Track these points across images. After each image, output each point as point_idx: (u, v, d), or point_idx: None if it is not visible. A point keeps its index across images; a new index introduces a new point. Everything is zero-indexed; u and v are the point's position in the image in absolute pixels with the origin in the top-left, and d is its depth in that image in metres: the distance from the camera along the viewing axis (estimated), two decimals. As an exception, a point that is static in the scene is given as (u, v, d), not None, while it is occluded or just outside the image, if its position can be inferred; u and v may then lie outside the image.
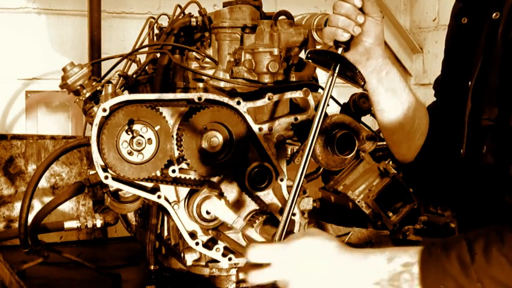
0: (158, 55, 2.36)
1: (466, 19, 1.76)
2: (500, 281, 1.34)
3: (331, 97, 1.71)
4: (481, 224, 1.53)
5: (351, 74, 1.66)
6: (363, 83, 1.68)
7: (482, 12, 1.68)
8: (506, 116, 1.50)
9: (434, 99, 1.96)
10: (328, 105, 1.65)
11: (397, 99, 1.76)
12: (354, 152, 2.17)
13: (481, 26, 1.66)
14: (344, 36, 1.64)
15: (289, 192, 1.59)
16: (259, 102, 2.05)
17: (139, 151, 1.89)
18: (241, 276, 1.46)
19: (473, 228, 1.47)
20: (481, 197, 1.63)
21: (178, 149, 1.96)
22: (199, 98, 1.97)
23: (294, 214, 2.08)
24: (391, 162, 2.77)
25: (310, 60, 1.67)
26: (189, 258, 2.07)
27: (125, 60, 2.45)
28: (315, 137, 1.62)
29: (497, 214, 1.50)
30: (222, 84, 2.12)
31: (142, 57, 2.53)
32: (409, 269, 1.39)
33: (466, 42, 1.74)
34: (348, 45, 1.67)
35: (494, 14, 1.62)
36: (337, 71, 1.64)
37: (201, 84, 2.16)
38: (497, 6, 1.62)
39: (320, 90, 2.23)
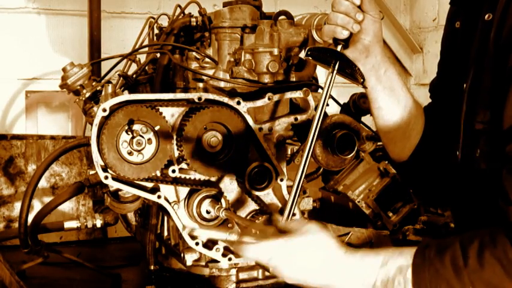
0: (158, 55, 2.36)
1: (459, 23, 1.78)
2: (492, 284, 1.34)
3: (331, 97, 1.71)
4: (476, 225, 1.53)
5: (350, 71, 1.67)
6: (362, 80, 1.69)
7: (474, 14, 1.68)
8: (498, 119, 1.50)
9: (433, 99, 1.97)
10: (327, 104, 1.66)
11: (394, 97, 1.77)
12: (354, 152, 2.17)
13: (474, 28, 1.67)
14: (343, 34, 1.65)
15: (289, 193, 1.59)
16: (259, 102, 2.05)
17: (139, 151, 1.89)
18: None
19: (469, 229, 1.47)
20: (477, 200, 1.63)
21: (178, 149, 1.96)
22: (199, 98, 1.97)
23: (294, 214, 2.08)
24: (390, 162, 2.77)
25: (310, 58, 1.68)
26: (189, 258, 2.07)
27: (125, 60, 2.44)
28: (315, 136, 1.62)
29: (492, 216, 1.50)
30: (222, 84, 2.12)
31: (142, 57, 2.53)
32: (403, 273, 1.40)
33: (460, 46, 1.75)
34: (347, 42, 1.68)
35: (486, 16, 1.62)
36: (336, 68, 1.64)
37: (201, 84, 2.16)
38: (489, 8, 1.62)
39: (320, 90, 2.23)
